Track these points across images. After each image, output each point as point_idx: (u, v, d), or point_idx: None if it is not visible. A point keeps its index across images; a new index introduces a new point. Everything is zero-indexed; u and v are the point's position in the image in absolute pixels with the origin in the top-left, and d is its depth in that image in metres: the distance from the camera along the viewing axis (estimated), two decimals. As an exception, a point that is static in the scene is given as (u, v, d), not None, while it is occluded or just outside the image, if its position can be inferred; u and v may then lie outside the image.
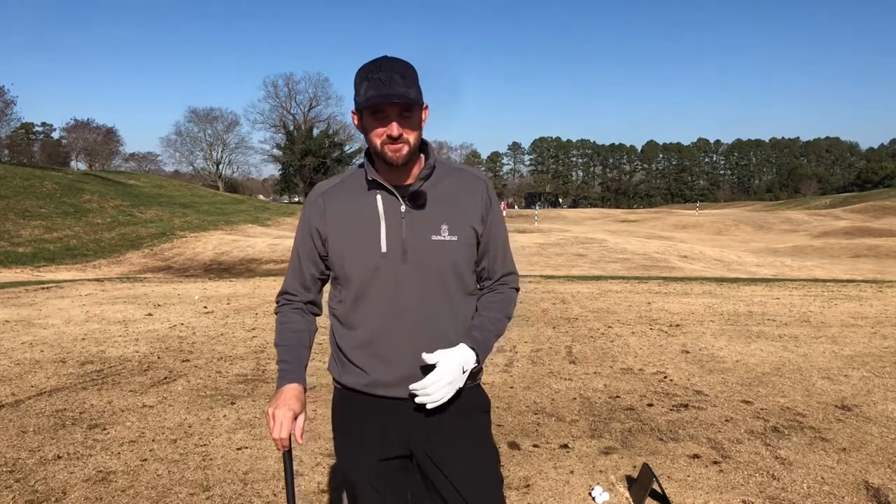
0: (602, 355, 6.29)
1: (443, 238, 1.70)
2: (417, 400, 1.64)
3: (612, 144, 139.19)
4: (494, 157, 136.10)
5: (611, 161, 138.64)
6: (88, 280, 15.62)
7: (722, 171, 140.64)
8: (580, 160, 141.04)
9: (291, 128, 79.47)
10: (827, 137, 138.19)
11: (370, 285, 1.69)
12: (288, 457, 1.74)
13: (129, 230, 28.96)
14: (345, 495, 1.85)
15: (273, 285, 12.69)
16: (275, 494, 3.29)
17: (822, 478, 3.42)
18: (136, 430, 4.24)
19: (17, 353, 6.55)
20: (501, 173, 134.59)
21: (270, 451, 3.87)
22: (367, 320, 1.71)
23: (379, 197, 1.71)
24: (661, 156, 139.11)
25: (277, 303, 1.89)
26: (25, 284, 13.77)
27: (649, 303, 9.65)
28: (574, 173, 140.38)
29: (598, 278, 13.73)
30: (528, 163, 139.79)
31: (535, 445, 3.93)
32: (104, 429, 4.27)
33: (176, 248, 26.33)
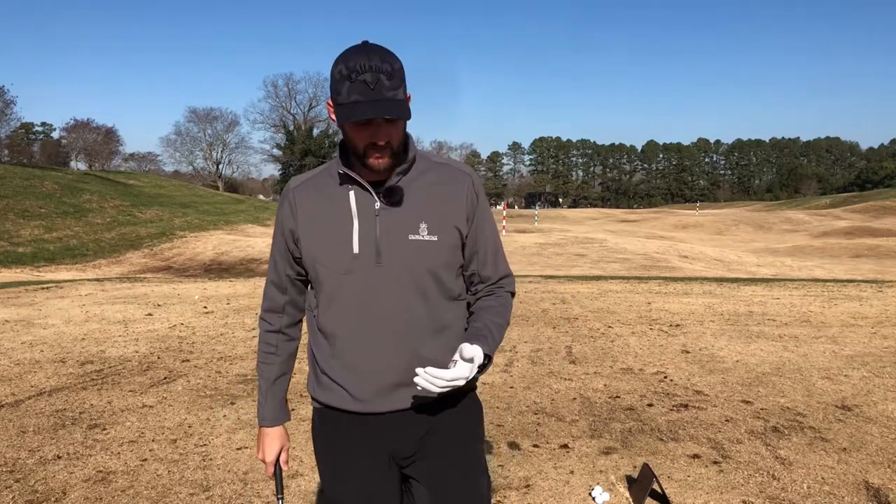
0: (602, 355, 6.29)
1: (421, 238, 1.54)
2: (422, 384, 1.42)
3: (612, 144, 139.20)
4: (494, 157, 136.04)
5: (611, 161, 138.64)
6: (88, 280, 15.61)
7: (722, 171, 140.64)
8: (580, 160, 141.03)
9: (291, 128, 79.46)
10: (827, 137, 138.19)
11: (341, 289, 1.55)
12: (278, 471, 1.81)
13: (129, 230, 28.96)
14: None
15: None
16: (275, 495, 3.29)
17: (822, 478, 3.42)
18: (136, 430, 4.24)
19: (17, 353, 6.55)
20: (501, 173, 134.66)
21: (270, 451, 3.87)
22: (339, 328, 1.57)
23: (352, 193, 1.55)
24: (661, 156, 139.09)
25: (260, 326, 1.78)
26: (25, 284, 13.76)
27: (649, 303, 9.65)
28: (574, 173, 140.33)
29: (598, 278, 13.73)
30: (528, 163, 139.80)
31: (535, 445, 3.93)
32: (104, 429, 4.27)
33: (176, 248, 26.33)
